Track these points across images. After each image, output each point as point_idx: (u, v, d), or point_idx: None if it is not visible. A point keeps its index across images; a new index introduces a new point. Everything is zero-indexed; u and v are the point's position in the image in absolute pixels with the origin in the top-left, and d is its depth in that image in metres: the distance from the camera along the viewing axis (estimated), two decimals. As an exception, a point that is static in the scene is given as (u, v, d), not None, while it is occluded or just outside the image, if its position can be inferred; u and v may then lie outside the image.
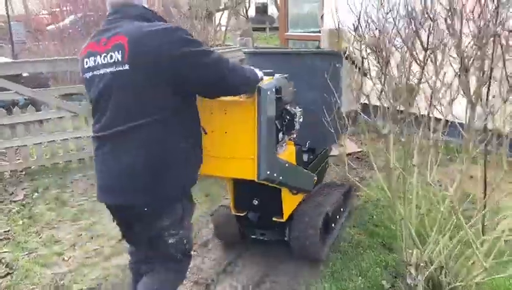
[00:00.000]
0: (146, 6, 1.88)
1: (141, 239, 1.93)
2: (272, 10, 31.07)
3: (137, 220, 1.86)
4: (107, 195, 1.82)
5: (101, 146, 1.79)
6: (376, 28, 1.90)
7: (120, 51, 1.67)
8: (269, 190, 2.37)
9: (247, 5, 28.71)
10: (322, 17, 6.69)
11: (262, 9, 31.23)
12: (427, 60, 1.72)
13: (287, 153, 2.40)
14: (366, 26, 2.01)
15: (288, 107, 2.27)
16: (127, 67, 1.67)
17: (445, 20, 1.83)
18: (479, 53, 1.81)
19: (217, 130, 2.10)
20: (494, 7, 1.87)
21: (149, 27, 1.71)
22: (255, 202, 2.59)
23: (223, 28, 17.30)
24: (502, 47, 1.73)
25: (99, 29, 1.83)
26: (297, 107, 2.34)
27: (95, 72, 1.75)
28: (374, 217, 3.32)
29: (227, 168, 2.16)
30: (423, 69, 1.77)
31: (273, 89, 2.10)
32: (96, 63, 1.74)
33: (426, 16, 1.73)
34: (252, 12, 30.35)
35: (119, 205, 1.83)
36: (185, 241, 1.91)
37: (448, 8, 1.87)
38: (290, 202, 2.62)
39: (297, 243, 2.66)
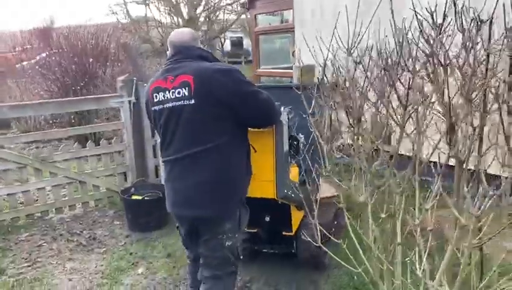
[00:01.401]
0: (202, 47, 2.22)
1: (204, 244, 2.17)
2: (247, 43, 31.40)
3: (205, 226, 2.15)
4: (182, 209, 2.14)
5: (174, 168, 2.10)
6: (345, 80, 1.59)
7: (187, 88, 1.98)
8: (279, 207, 2.64)
9: (222, 39, 28.99)
10: (293, 53, 6.51)
11: (237, 43, 31.46)
12: (408, 118, 1.42)
13: (293, 174, 2.68)
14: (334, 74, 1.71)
15: (294, 134, 2.57)
16: (193, 101, 1.97)
17: (426, 68, 1.55)
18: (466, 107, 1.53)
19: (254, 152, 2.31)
20: (481, 52, 1.61)
21: (211, 66, 2.04)
22: (267, 219, 2.84)
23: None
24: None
25: (165, 68, 2.11)
26: (299, 134, 2.60)
27: (164, 105, 2.04)
28: (355, 278, 2.95)
29: (252, 189, 2.29)
30: (403, 128, 1.45)
31: (286, 120, 2.40)
32: (166, 98, 2.03)
33: (403, 66, 1.43)
34: (227, 47, 30.58)
35: (194, 217, 2.13)
36: (238, 244, 2.21)
37: (428, 53, 1.59)
38: (296, 217, 2.89)
39: (306, 252, 2.92)
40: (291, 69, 6.51)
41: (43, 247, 3.72)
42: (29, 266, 3.39)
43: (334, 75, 1.68)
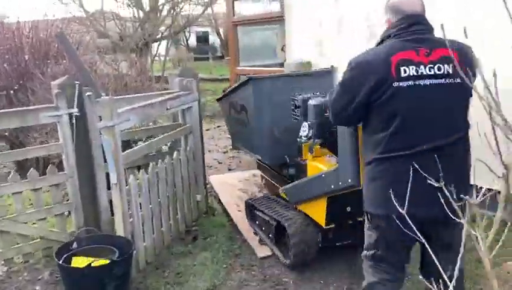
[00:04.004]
0: None
1: (447, 246, 1.90)
2: (214, 39, 30.02)
3: (447, 233, 1.92)
4: (427, 209, 1.79)
5: (416, 160, 1.78)
6: None
7: (450, 64, 1.78)
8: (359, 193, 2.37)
9: (188, 34, 27.51)
10: (283, 48, 5.37)
11: (203, 39, 30.02)
12: None
13: None
14: None
15: None
16: (458, 80, 1.78)
17: None
18: None
19: None
20: None
21: (461, 42, 1.76)
22: (348, 209, 2.76)
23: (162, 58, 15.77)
24: None
25: (405, 38, 1.85)
26: None
27: (417, 82, 1.78)
28: None
29: None
30: None
31: None
32: (420, 73, 1.78)
33: None
34: (193, 42, 29.09)
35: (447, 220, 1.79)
36: None
37: None
38: None
39: None
40: (281, 66, 5.38)
41: None
42: None
43: None
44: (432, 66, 1.78)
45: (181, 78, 3.86)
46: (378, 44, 1.97)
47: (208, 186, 4.40)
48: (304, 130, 2.73)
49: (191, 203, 3.87)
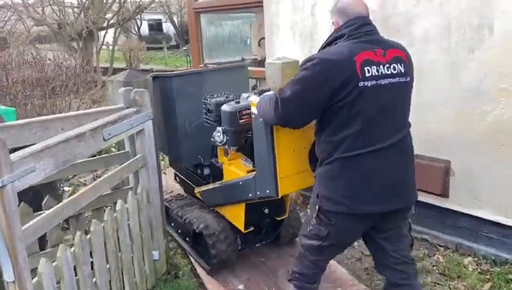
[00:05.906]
0: None
1: (394, 237, 2.05)
2: (167, 27, 28.27)
3: (402, 215, 2.02)
4: (393, 201, 1.91)
5: (376, 158, 1.85)
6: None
7: (402, 64, 1.89)
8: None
9: (139, 22, 25.67)
10: (260, 42, 4.28)
11: (156, 27, 28.19)
12: None
13: None
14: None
15: None
16: (408, 79, 1.91)
17: None
18: None
19: (295, 148, 2.32)
20: None
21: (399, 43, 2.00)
22: (266, 211, 2.83)
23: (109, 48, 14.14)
24: None
25: (359, 40, 1.87)
26: None
27: (378, 82, 1.82)
28: None
29: (303, 181, 2.37)
30: None
31: None
32: (380, 73, 1.83)
33: None
34: (145, 30, 27.22)
35: (406, 206, 1.99)
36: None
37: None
38: (288, 200, 2.94)
39: (290, 232, 3.10)
40: (258, 65, 4.30)
41: None
42: None
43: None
44: (388, 65, 1.84)
45: (127, 88, 2.68)
46: (327, 45, 1.95)
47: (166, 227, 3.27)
48: (219, 136, 2.58)
49: (144, 265, 2.73)
